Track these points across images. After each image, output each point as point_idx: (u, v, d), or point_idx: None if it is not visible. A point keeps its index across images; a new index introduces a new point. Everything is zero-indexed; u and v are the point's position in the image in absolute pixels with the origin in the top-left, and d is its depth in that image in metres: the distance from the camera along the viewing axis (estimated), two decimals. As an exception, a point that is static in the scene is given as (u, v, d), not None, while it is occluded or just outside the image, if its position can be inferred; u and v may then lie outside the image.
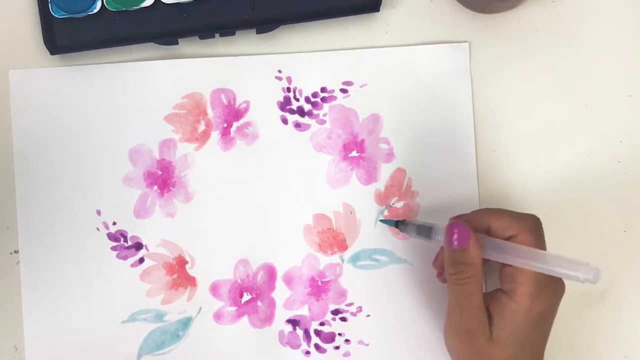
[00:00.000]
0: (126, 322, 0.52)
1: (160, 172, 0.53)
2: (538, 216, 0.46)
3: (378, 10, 0.52)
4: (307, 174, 0.53)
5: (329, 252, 0.53)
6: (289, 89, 0.53)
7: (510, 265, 0.45)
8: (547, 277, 0.44)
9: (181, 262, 0.52)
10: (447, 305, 0.47)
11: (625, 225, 0.53)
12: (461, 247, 0.44)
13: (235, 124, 0.53)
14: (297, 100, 0.53)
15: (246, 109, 0.53)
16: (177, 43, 0.52)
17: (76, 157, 0.52)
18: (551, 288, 0.45)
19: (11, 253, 0.52)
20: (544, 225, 0.52)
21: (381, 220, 0.52)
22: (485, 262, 0.46)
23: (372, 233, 0.53)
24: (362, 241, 0.53)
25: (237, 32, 0.52)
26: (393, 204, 0.53)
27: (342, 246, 0.53)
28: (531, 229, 0.45)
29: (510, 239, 0.45)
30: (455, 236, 0.45)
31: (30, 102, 0.52)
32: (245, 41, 0.53)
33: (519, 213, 0.46)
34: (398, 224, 0.51)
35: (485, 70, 0.53)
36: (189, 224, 0.52)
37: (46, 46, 0.51)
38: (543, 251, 0.44)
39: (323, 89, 0.53)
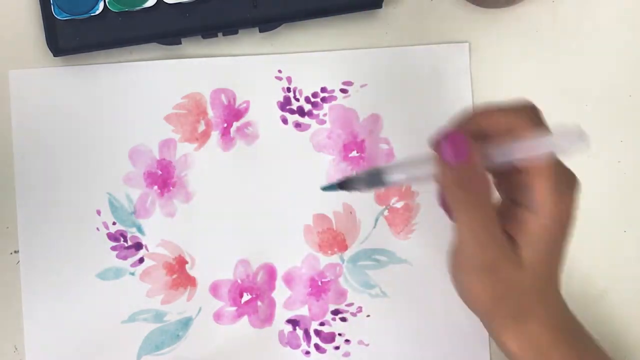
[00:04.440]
0: (126, 323, 0.54)
1: (160, 172, 0.55)
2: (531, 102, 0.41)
3: (381, 7, 0.54)
4: (307, 174, 0.55)
5: (329, 252, 0.55)
6: (289, 89, 0.56)
7: (518, 175, 0.40)
8: (560, 176, 0.40)
9: (181, 262, 0.55)
10: (455, 241, 0.41)
11: (625, 225, 0.55)
12: (461, 160, 0.38)
13: (235, 124, 0.55)
14: (297, 100, 0.56)
15: (246, 109, 0.56)
16: (180, 43, 0.54)
17: (76, 157, 0.55)
18: (569, 185, 0.40)
19: (11, 253, 0.54)
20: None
21: (323, 188, 0.46)
22: None
23: (372, 233, 0.55)
24: (362, 241, 0.55)
25: (239, 31, 0.54)
26: (393, 204, 0.55)
27: (342, 246, 0.55)
28: (529, 117, 0.40)
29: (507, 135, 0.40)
30: (452, 149, 0.38)
31: (30, 102, 0.55)
32: (248, 40, 0.55)
33: (511, 103, 0.41)
34: (343, 186, 0.43)
35: (485, 70, 0.55)
36: (189, 224, 0.55)
37: (49, 48, 0.53)
38: (527, 137, 0.39)
39: (323, 89, 0.56)
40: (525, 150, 0.39)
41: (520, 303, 0.41)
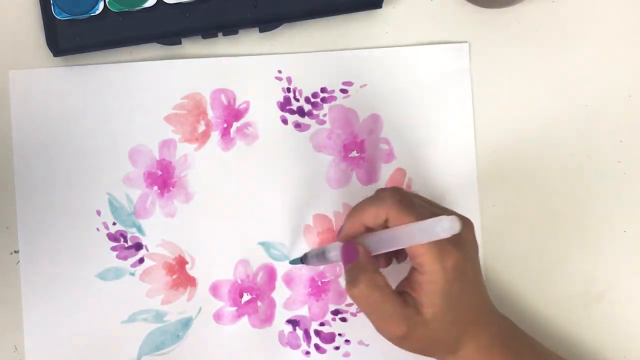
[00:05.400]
0: (126, 323, 0.55)
1: (160, 173, 0.55)
2: (396, 189, 0.48)
3: (380, 7, 0.55)
4: (307, 174, 0.56)
5: None
6: (289, 89, 0.56)
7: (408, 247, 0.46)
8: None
9: (181, 262, 0.55)
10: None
11: (625, 225, 0.56)
12: (353, 262, 0.47)
13: (235, 124, 0.56)
14: (297, 100, 0.56)
15: (246, 109, 0.56)
16: (180, 43, 0.54)
17: (76, 157, 0.55)
18: (453, 240, 0.45)
19: (11, 253, 0.55)
20: (544, 228, 0.55)
21: (290, 262, 0.54)
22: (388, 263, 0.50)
23: (372, 233, 0.56)
24: None
25: (239, 31, 0.54)
26: (393, 204, 0.56)
27: None
28: (393, 204, 0.46)
29: (387, 223, 0.47)
30: (347, 255, 0.47)
31: (30, 102, 0.55)
32: (248, 40, 0.56)
33: (376, 195, 0.48)
34: (303, 261, 0.52)
35: (485, 70, 0.56)
36: (189, 224, 0.55)
37: (49, 48, 0.53)
38: (399, 228, 0.46)
39: (323, 89, 0.56)
40: (398, 240, 0.46)
41: (447, 344, 0.48)
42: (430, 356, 0.49)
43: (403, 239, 0.45)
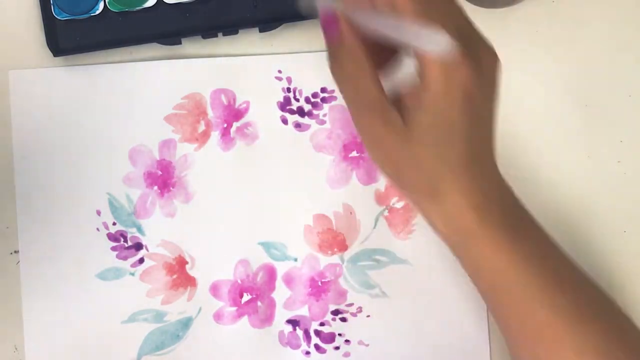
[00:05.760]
0: (126, 323, 0.55)
1: (160, 173, 0.55)
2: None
3: (380, 8, 0.55)
4: (307, 174, 0.56)
5: (329, 252, 0.55)
6: (289, 89, 0.56)
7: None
8: (462, 50, 0.38)
9: (181, 262, 0.55)
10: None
11: (625, 225, 0.56)
12: (334, 38, 0.40)
13: (235, 124, 0.56)
14: (297, 100, 0.56)
15: (246, 109, 0.56)
16: (180, 43, 0.55)
17: (76, 157, 0.55)
18: (470, 62, 0.39)
19: (11, 253, 0.55)
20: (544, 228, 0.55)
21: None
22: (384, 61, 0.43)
23: (372, 233, 0.55)
24: (362, 241, 0.55)
25: (239, 31, 0.55)
26: (393, 204, 0.56)
27: (342, 246, 0.55)
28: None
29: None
30: (329, 28, 0.41)
31: (30, 102, 0.55)
32: (248, 40, 0.56)
33: None
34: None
35: None
36: (189, 224, 0.55)
37: (49, 48, 0.53)
38: (397, 17, 0.39)
39: (323, 89, 0.56)
40: (388, 27, 0.38)
41: (427, 182, 0.40)
42: (408, 192, 0.42)
43: (393, 29, 0.38)
